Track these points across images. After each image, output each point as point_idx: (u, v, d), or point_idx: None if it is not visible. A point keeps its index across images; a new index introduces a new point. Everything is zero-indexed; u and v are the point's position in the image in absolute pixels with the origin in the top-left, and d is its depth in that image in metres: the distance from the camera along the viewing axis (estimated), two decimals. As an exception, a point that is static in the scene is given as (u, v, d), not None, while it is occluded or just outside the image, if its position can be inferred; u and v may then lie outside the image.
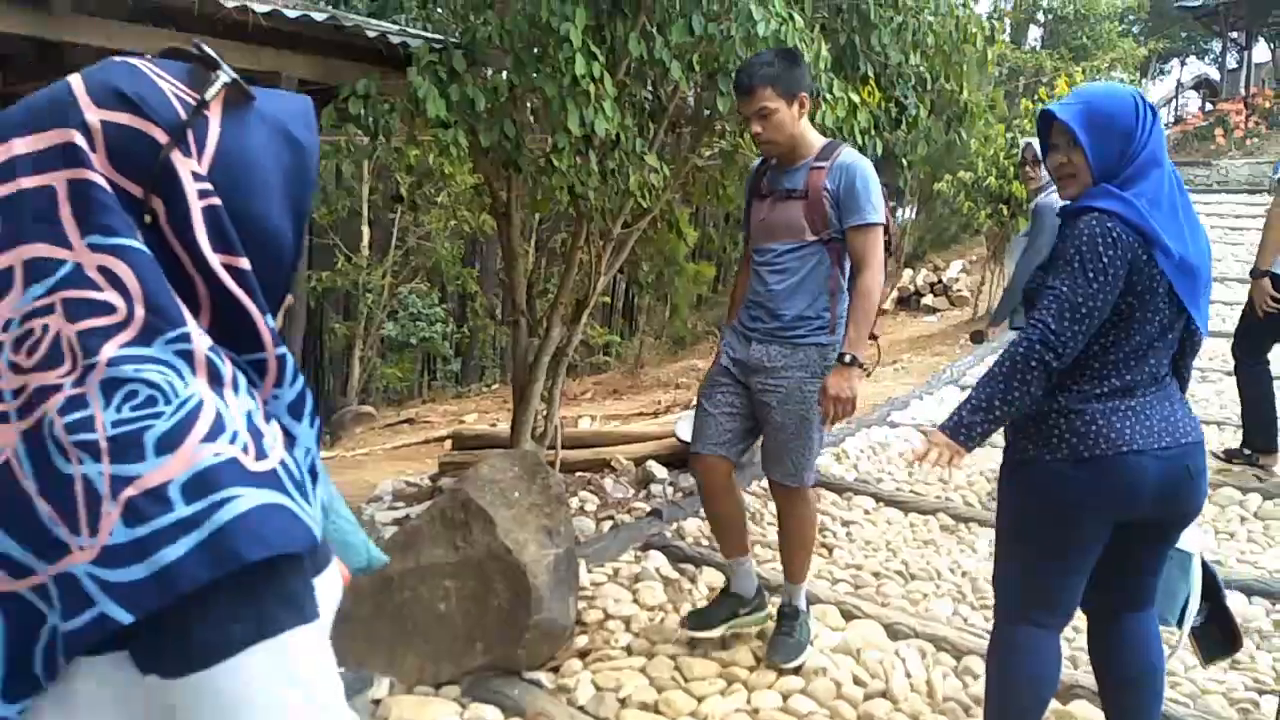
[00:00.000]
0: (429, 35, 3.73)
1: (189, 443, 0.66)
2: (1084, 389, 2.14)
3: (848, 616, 3.56)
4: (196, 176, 0.73)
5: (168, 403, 0.67)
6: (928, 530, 4.51)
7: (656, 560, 4.01)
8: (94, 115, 0.72)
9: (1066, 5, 16.64)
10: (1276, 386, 5.00)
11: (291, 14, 3.06)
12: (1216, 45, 24.23)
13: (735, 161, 5.74)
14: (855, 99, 4.19)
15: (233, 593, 0.64)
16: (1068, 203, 2.23)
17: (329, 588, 0.78)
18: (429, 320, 13.71)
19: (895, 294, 12.91)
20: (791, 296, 2.95)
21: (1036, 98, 10.53)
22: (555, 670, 3.19)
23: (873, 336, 2.98)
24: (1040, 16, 17.47)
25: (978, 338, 4.77)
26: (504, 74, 3.34)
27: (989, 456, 5.57)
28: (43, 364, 0.67)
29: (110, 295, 0.68)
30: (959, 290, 12.12)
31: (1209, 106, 22.13)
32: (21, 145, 0.71)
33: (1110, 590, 2.34)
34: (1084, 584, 2.27)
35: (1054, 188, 4.42)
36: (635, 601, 3.66)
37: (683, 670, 3.16)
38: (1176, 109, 24.10)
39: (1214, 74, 25.16)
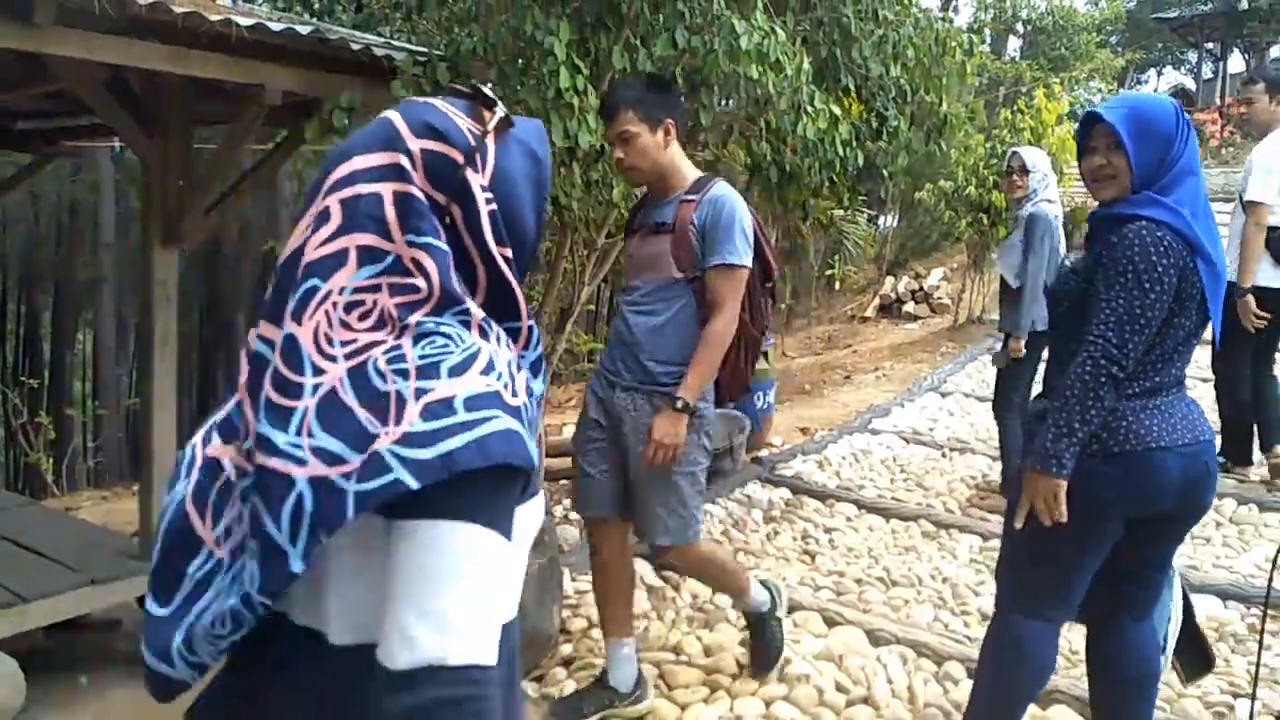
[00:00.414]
0: (412, 48, 3.74)
1: (471, 372, 0.91)
2: (1135, 394, 2.20)
3: (830, 623, 3.59)
4: (482, 188, 1.01)
5: (457, 346, 0.93)
6: (909, 537, 4.56)
7: (640, 568, 4.01)
8: (415, 144, 0.99)
9: (1045, 17, 16.85)
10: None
11: (276, 27, 3.06)
12: (1192, 56, 24.67)
13: (719, 171, 5.79)
14: (837, 111, 4.23)
15: (483, 482, 0.88)
16: (1098, 207, 2.30)
17: (532, 513, 1.04)
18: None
19: (877, 301, 13.00)
20: (656, 340, 2.74)
21: (1016, 108, 10.66)
22: (539, 679, 3.20)
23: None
24: (1019, 27, 17.67)
25: (1000, 360, 4.63)
26: (488, 86, 3.35)
27: (967, 463, 5.65)
28: (371, 328, 0.94)
29: (418, 280, 0.95)
30: (940, 298, 12.22)
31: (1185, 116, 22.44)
32: (361, 161, 0.98)
33: (1119, 590, 2.37)
34: (1086, 584, 2.32)
35: (1040, 197, 4.55)
36: (619, 610, 3.67)
37: (666, 678, 3.18)
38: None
39: (1190, 84, 25.58)
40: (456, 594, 0.86)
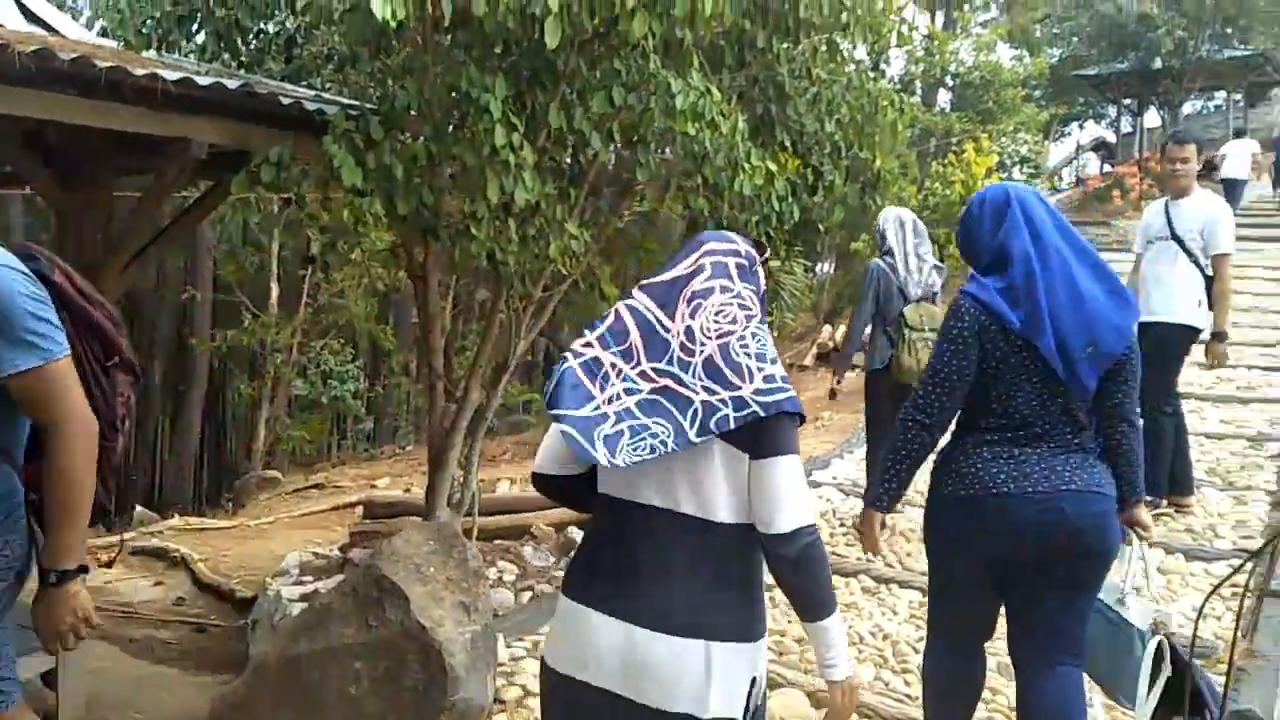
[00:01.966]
0: (345, 101, 3.68)
1: (776, 357, 1.74)
2: (971, 439, 2.45)
3: (772, 685, 3.51)
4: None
5: (767, 341, 1.75)
6: (849, 593, 4.52)
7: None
8: (743, 245, 1.89)
9: (972, 71, 17.45)
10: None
11: (204, 81, 2.97)
12: (1112, 111, 25.78)
13: (655, 224, 5.80)
14: (773, 167, 4.27)
15: (789, 424, 1.71)
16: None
17: None
18: (341, 378, 13.37)
19: (815, 349, 13.12)
20: None
21: (946, 160, 10.99)
22: (473, 755, 3.07)
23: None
24: (949, 81, 18.27)
25: (833, 395, 5.27)
26: (422, 141, 3.30)
27: (908, 517, 5.65)
28: (729, 327, 1.73)
29: (753, 304, 1.80)
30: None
31: (1107, 168, 23.46)
32: (720, 245, 1.87)
33: (1023, 640, 2.50)
34: (982, 620, 2.56)
35: (883, 250, 4.89)
36: (556, 677, 3.56)
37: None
38: (1077, 170, 25.44)
39: (1111, 137, 26.72)
40: (798, 491, 1.71)
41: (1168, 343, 4.99)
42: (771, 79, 4.59)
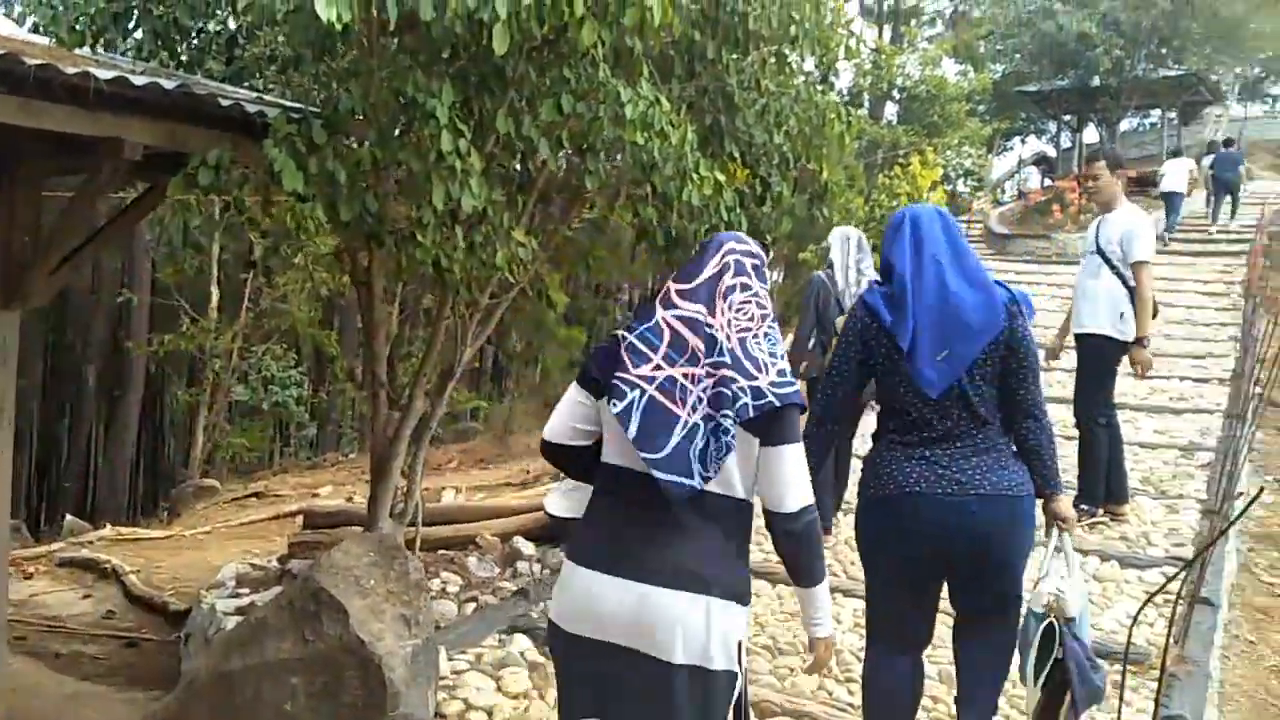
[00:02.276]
0: (287, 104, 3.60)
1: (785, 354, 2.03)
2: (886, 441, 2.61)
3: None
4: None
5: (778, 339, 2.03)
6: (795, 603, 4.54)
7: (522, 644, 3.87)
8: (756, 246, 2.17)
9: (919, 85, 17.76)
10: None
11: (139, 81, 2.88)
12: (1053, 126, 26.42)
13: (605, 231, 5.79)
14: (721, 178, 4.28)
15: (795, 415, 1.96)
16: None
17: None
18: (283, 384, 13.10)
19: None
20: None
21: (892, 173, 11.15)
22: (413, 772, 3.01)
23: None
24: (896, 94, 18.56)
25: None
26: (366, 146, 3.24)
27: (851, 524, 5.70)
28: (747, 324, 1.99)
29: (768, 305, 2.05)
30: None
31: (1048, 182, 24.04)
32: (739, 246, 2.10)
33: (961, 623, 2.72)
34: (914, 623, 2.66)
35: (824, 265, 5.08)
36: (499, 690, 3.51)
37: (549, 764, 3.04)
38: (1019, 184, 26.02)
39: (1051, 151, 27.37)
40: (802, 474, 1.96)
41: (1094, 354, 5.18)
42: (721, 90, 4.60)
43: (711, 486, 1.92)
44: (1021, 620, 2.67)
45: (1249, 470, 6.67)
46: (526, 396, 12.15)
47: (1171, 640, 3.95)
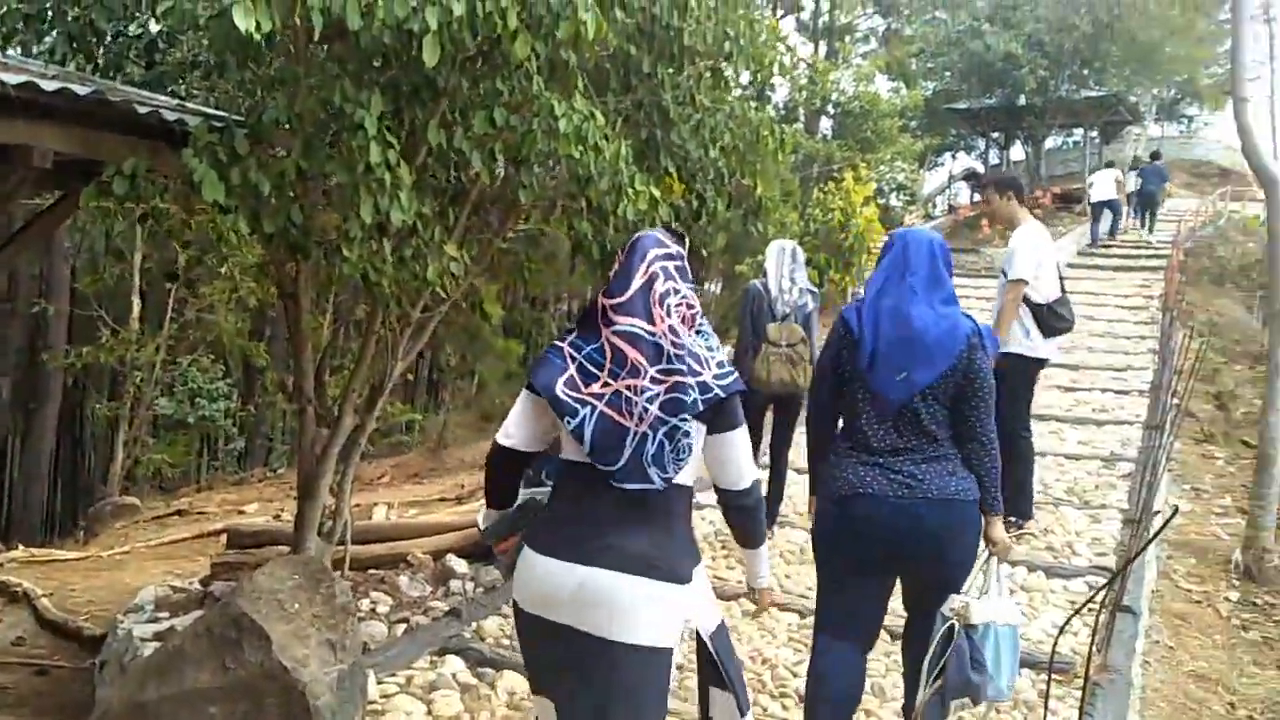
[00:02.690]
0: (209, 112, 3.49)
1: (720, 345, 2.21)
2: (844, 448, 2.83)
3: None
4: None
5: (713, 336, 2.23)
6: (731, 617, 4.53)
7: (454, 665, 3.79)
8: (675, 245, 2.25)
9: (852, 101, 18.04)
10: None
11: (49, 86, 2.76)
12: (982, 143, 27.12)
13: (541, 244, 5.73)
14: (656, 193, 4.27)
15: (738, 402, 2.16)
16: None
17: None
18: (211, 396, 12.72)
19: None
20: None
21: (827, 189, 11.30)
22: (338, 803, 2.91)
23: None
24: (830, 109, 18.82)
25: None
26: (292, 157, 3.15)
27: (786, 536, 5.73)
28: (685, 322, 2.16)
29: (695, 302, 2.20)
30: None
31: (976, 198, 24.65)
32: (659, 250, 2.18)
33: (910, 619, 2.93)
34: (863, 616, 2.85)
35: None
36: (430, 714, 3.44)
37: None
38: (949, 199, 26.63)
39: (981, 168, 28.09)
40: (748, 454, 2.19)
41: (1009, 371, 5.28)
42: (656, 104, 4.60)
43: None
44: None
45: (1168, 480, 6.89)
46: (462, 409, 11.98)
47: (1095, 649, 4.05)
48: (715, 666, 2.25)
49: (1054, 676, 3.54)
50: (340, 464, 4.47)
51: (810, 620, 4.37)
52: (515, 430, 2.21)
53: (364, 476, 8.73)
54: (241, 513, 8.08)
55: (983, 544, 2.83)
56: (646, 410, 2.04)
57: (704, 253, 5.33)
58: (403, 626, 4.24)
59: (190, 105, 3.65)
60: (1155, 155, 19.62)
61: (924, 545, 2.69)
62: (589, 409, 2.06)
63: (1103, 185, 17.34)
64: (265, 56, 3.56)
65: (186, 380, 13.06)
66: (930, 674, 2.74)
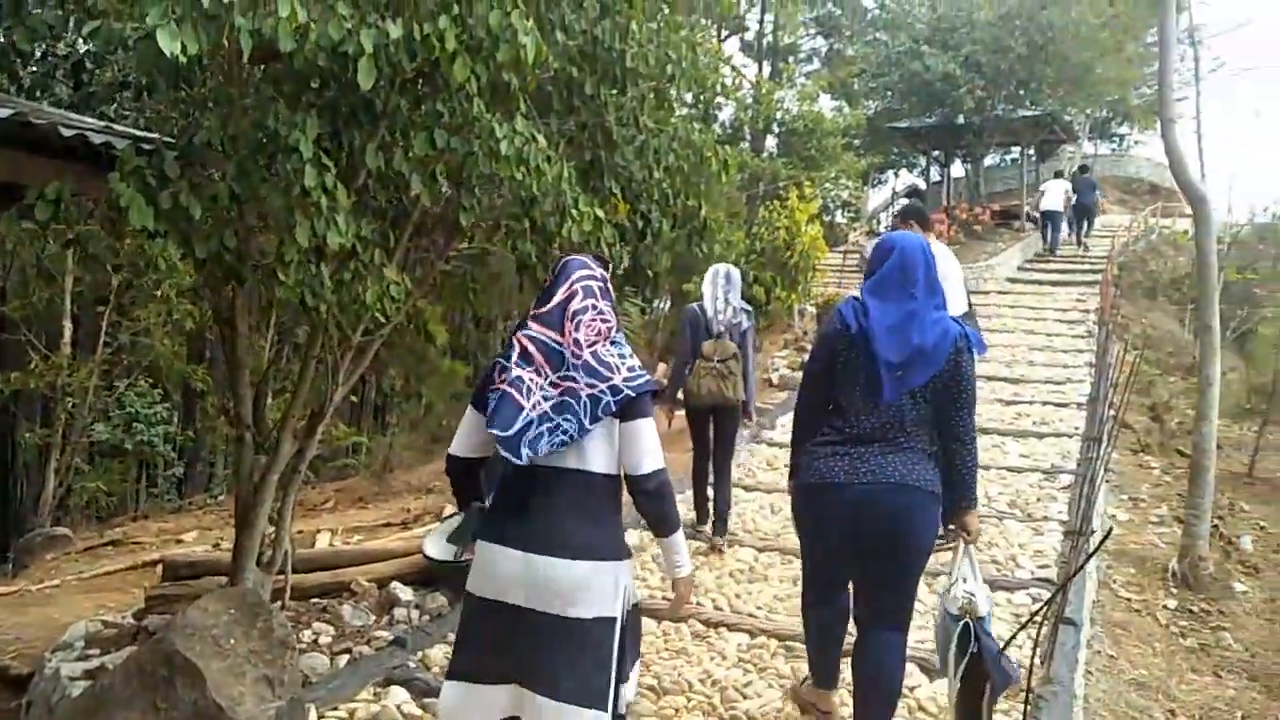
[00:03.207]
0: (138, 134, 3.40)
1: (633, 354, 2.56)
2: (819, 439, 3.08)
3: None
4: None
5: (626, 345, 2.56)
6: (680, 639, 4.51)
7: (398, 696, 3.72)
8: (599, 269, 2.64)
9: (797, 120, 18.26)
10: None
11: (-38, 106, 2.67)
12: (923, 161, 27.64)
13: (486, 265, 5.68)
14: (601, 214, 4.26)
15: (648, 397, 2.49)
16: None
17: None
18: (149, 421, 12.36)
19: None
20: None
21: (772, 208, 11.40)
22: (276, 845, 2.82)
23: None
24: (775, 128, 19.01)
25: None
26: (224, 180, 3.08)
27: (736, 555, 5.74)
28: (596, 337, 2.51)
29: (612, 318, 2.56)
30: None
31: (917, 214, 25.02)
32: (583, 272, 2.57)
33: (859, 606, 3.18)
34: (836, 580, 3.22)
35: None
36: (373, 748, 3.35)
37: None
38: (892, 215, 27.06)
39: (922, 184, 28.62)
40: (654, 444, 2.48)
41: None
42: (600, 125, 4.59)
43: (578, 465, 2.47)
44: (938, 620, 3.14)
45: (1106, 491, 7.04)
46: (408, 431, 11.80)
47: (1039, 662, 4.10)
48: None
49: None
50: (280, 491, 4.36)
51: (760, 640, 4.40)
52: (459, 438, 2.60)
53: (307, 502, 8.53)
54: (179, 542, 7.84)
55: (953, 538, 3.17)
56: (540, 403, 2.43)
57: (650, 272, 5.32)
58: (345, 657, 4.14)
59: (118, 127, 3.55)
60: (1084, 169, 20.86)
61: (880, 524, 2.93)
62: (497, 393, 2.43)
63: (1053, 195, 18.34)
64: (197, 77, 3.48)
65: (123, 405, 12.67)
66: (957, 672, 2.95)
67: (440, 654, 4.13)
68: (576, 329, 2.47)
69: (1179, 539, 6.49)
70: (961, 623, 2.94)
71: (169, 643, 2.99)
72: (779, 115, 17.92)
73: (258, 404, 4.49)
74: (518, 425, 2.38)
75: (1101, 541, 2.93)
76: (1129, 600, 6.00)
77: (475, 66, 3.21)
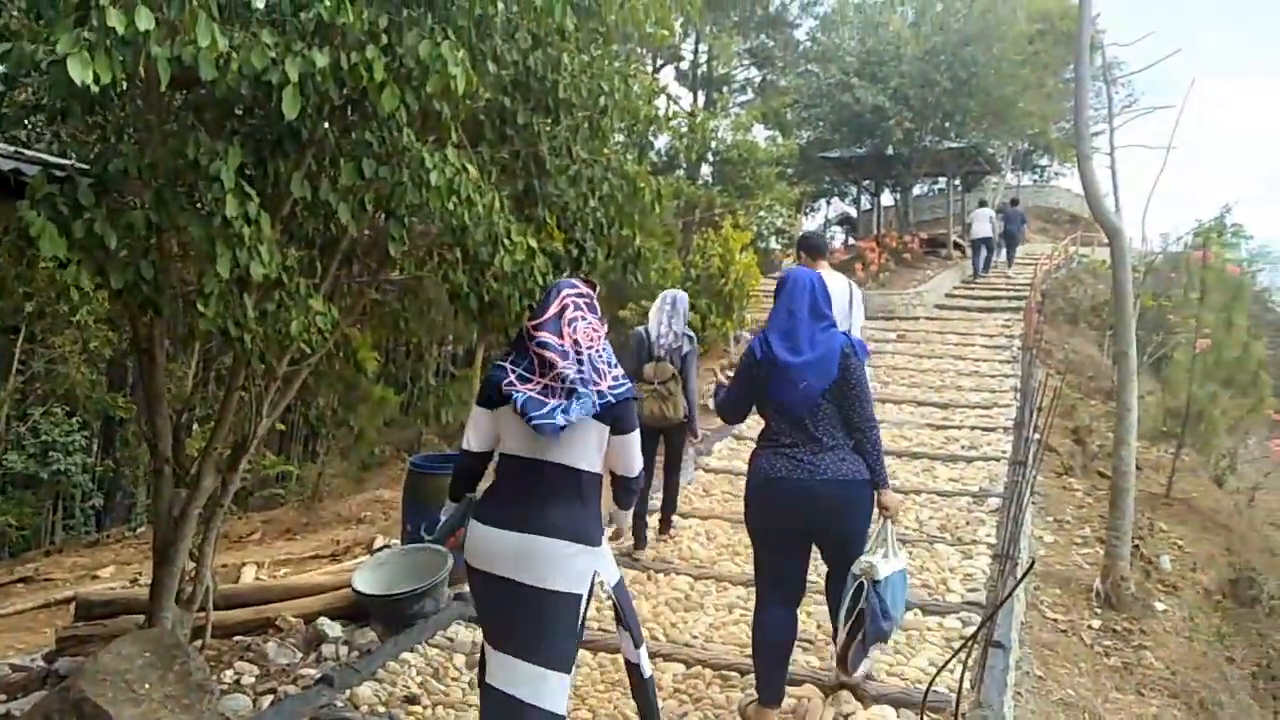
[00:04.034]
0: (50, 159, 3.28)
1: (618, 363, 3.02)
2: (762, 444, 3.66)
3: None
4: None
5: (611, 354, 3.02)
6: (616, 669, 4.46)
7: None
8: (585, 288, 3.12)
9: (731, 149, 18.53)
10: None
11: None
12: (854, 189, 28.24)
13: (418, 294, 5.60)
14: (533, 244, 4.25)
15: (633, 408, 2.99)
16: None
17: None
18: (66, 450, 11.90)
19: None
20: None
21: (706, 236, 11.50)
22: None
23: None
24: (710, 156, 19.24)
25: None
26: (142, 209, 2.98)
27: (671, 584, 5.71)
28: (589, 342, 2.96)
29: (599, 328, 3.05)
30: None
31: (851, 242, 25.57)
32: (572, 290, 3.05)
33: (829, 577, 3.80)
34: (790, 576, 3.68)
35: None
36: (296, 794, 3.24)
37: None
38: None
39: (854, 213, 29.23)
40: (637, 453, 3.03)
41: None
42: (533, 155, 4.59)
43: (565, 461, 2.88)
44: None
45: (1032, 513, 7.20)
46: (339, 459, 11.54)
47: (969, 686, 4.15)
48: (616, 611, 3.19)
49: (930, 716, 3.63)
50: (201, 526, 4.23)
51: (696, 669, 4.38)
52: (472, 437, 3.03)
53: (233, 534, 8.28)
54: (95, 578, 7.53)
55: (877, 511, 3.65)
56: (562, 389, 2.85)
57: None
58: (269, 698, 4.00)
59: (29, 152, 3.43)
60: (1014, 201, 22.19)
61: (822, 513, 3.54)
62: (523, 395, 2.84)
63: (980, 223, 19.66)
64: (115, 102, 3.38)
65: (38, 433, 12.19)
66: (847, 621, 3.63)
67: (369, 692, 4.02)
68: (574, 333, 2.94)
69: (1102, 559, 6.66)
70: (857, 582, 3.59)
71: (78, 689, 2.86)
72: (714, 144, 18.16)
73: (179, 435, 4.35)
74: (548, 408, 2.80)
75: (1024, 575, 3.06)
76: (1055, 621, 6.13)
77: (405, 96, 3.19)
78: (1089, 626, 6.12)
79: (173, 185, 2.96)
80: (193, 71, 2.59)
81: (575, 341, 2.91)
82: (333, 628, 4.68)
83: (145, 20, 2.34)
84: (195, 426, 9.12)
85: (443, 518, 3.06)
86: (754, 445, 3.76)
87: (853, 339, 3.66)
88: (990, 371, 12.11)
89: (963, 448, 8.79)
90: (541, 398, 2.82)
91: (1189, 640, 6.21)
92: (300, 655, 4.49)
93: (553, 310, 2.95)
